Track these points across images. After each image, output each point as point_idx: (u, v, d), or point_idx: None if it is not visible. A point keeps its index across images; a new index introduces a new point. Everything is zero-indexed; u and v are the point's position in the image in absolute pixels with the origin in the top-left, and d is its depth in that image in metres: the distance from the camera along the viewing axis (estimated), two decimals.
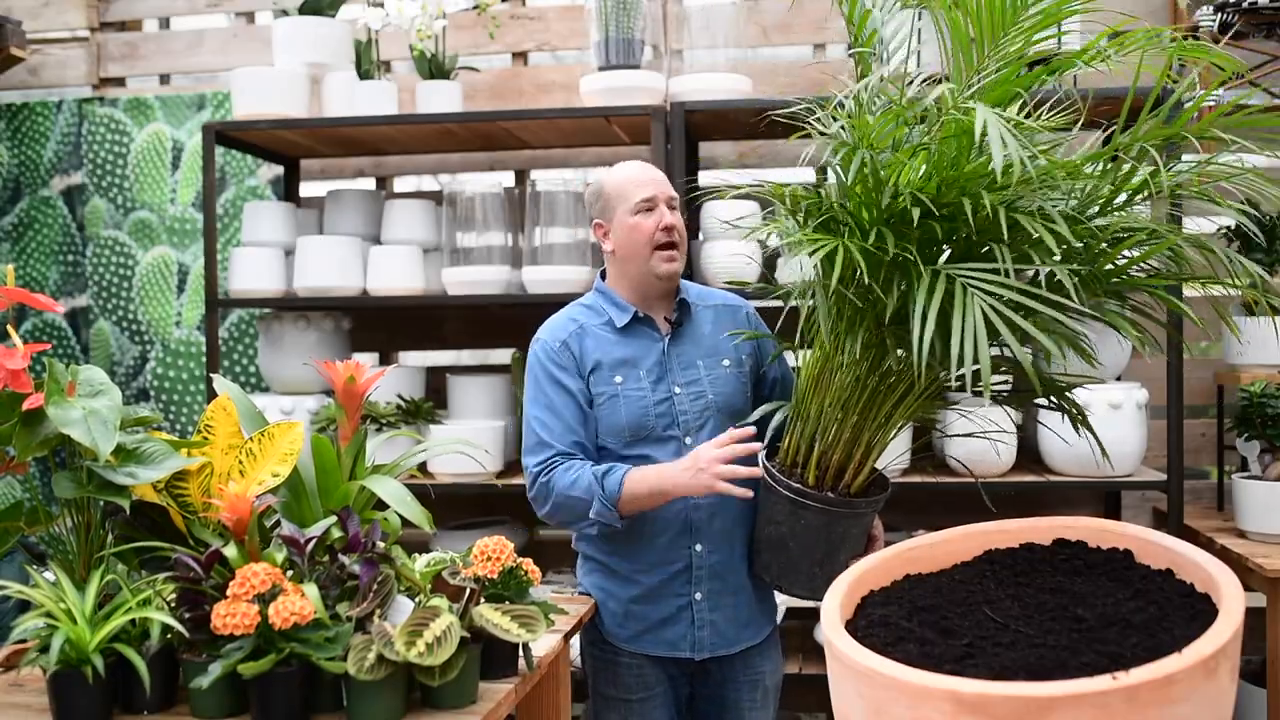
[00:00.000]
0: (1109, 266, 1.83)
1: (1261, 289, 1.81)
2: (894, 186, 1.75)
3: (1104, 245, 1.79)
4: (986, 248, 1.77)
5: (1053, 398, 2.04)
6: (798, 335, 2.05)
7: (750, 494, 2.04)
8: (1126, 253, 1.84)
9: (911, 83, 1.88)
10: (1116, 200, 1.78)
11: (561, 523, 2.20)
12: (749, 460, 2.05)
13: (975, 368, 1.60)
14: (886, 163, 1.77)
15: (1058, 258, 1.72)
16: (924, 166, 1.75)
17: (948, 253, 1.83)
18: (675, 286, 2.28)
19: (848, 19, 1.93)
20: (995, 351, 1.82)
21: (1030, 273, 1.76)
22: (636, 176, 2.23)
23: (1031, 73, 1.82)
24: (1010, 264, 1.64)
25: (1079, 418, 2.04)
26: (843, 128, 1.86)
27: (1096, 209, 1.80)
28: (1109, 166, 1.74)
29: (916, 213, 1.67)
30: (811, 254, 1.76)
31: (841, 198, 1.88)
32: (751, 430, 2.06)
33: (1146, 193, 1.76)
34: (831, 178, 1.97)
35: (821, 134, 1.92)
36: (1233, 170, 1.73)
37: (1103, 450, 2.08)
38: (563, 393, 2.19)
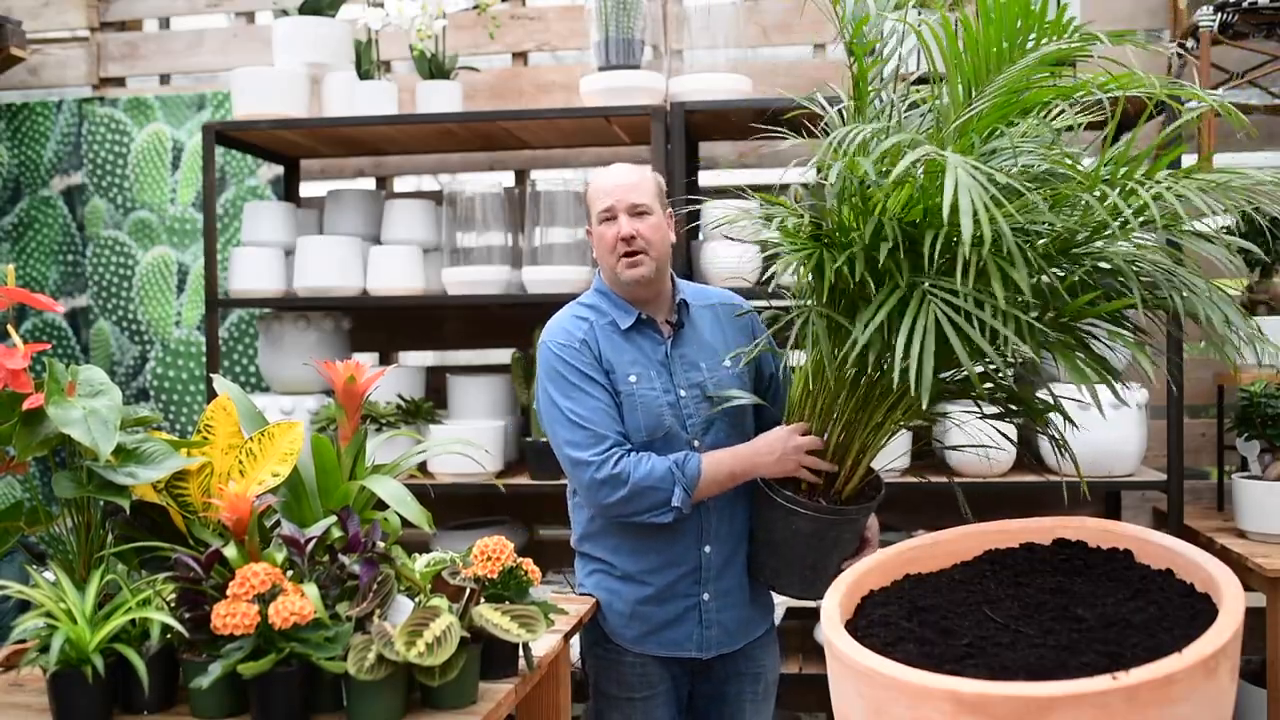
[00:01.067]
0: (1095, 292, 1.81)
1: (1254, 296, 1.80)
2: (878, 213, 1.73)
3: (1080, 279, 1.76)
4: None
5: (1036, 420, 2.03)
6: (791, 340, 2.05)
7: (818, 479, 2.10)
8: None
9: (919, 82, 1.87)
10: (1104, 230, 1.75)
11: (630, 511, 2.14)
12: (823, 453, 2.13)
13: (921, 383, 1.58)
14: (871, 190, 1.75)
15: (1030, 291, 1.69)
16: (909, 194, 1.73)
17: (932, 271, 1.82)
18: (658, 291, 2.27)
19: (842, 24, 1.92)
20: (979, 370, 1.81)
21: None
22: (601, 186, 2.24)
23: (1028, 96, 1.79)
24: (967, 299, 1.62)
25: (1061, 443, 2.02)
26: (827, 130, 1.86)
27: (1085, 235, 1.78)
28: (1094, 200, 1.70)
29: (883, 249, 1.66)
30: (795, 261, 1.75)
31: (831, 210, 1.88)
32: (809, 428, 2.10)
33: (1135, 226, 1.73)
34: (810, 177, 1.97)
35: (813, 134, 1.92)
36: (1232, 174, 1.71)
37: (1079, 476, 2.05)
38: (597, 386, 2.18)
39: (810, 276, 1.82)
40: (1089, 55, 1.70)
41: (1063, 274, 1.73)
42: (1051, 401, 1.99)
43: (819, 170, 1.87)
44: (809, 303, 1.89)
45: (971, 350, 1.63)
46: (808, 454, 2.08)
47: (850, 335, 1.83)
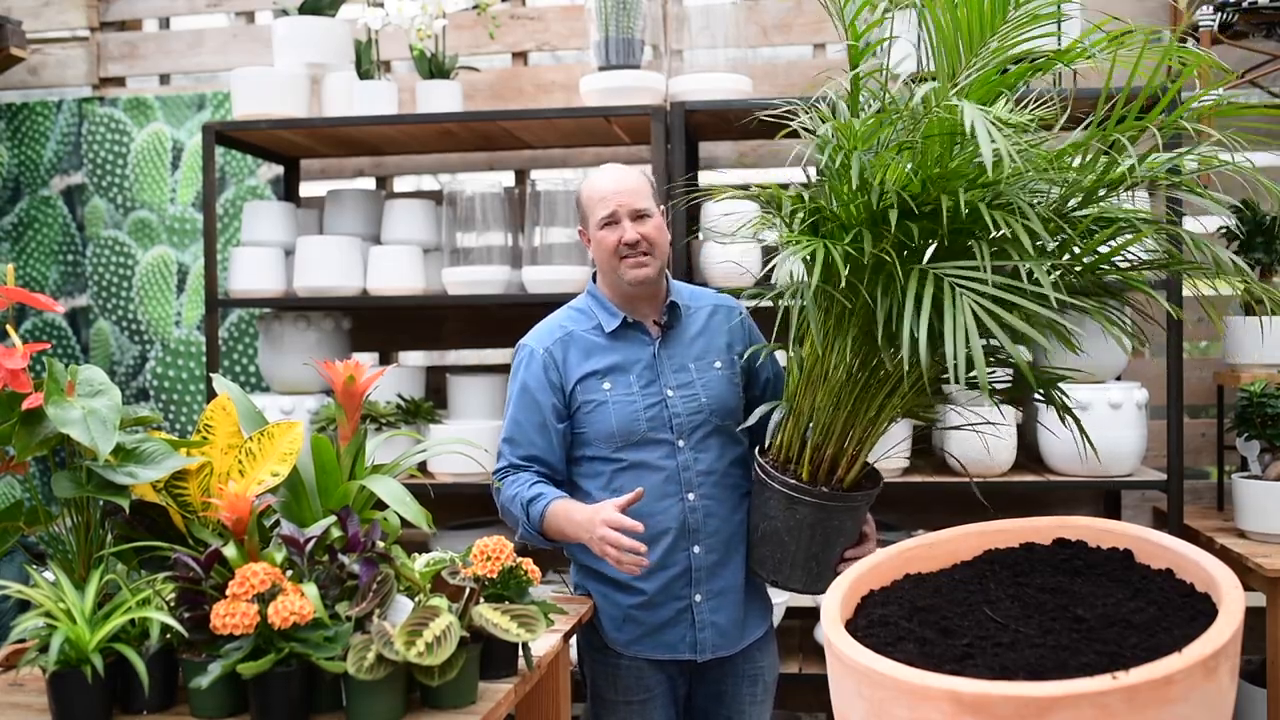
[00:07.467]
0: (1090, 257, 1.85)
1: (1258, 290, 1.82)
2: (879, 186, 1.75)
3: (1080, 236, 1.80)
4: (967, 245, 1.79)
5: (1042, 391, 2.05)
6: (790, 333, 2.06)
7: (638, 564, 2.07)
8: (1109, 243, 1.85)
9: (897, 80, 1.89)
10: (1098, 192, 1.80)
11: (508, 524, 2.28)
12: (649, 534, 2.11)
13: (970, 369, 1.61)
14: (871, 162, 1.77)
15: (1036, 253, 1.73)
16: (909, 165, 1.76)
17: (931, 251, 1.84)
18: (655, 291, 2.27)
19: (842, 21, 1.93)
20: (985, 345, 1.83)
21: (1011, 268, 1.78)
22: (600, 191, 2.22)
23: (1014, 70, 1.82)
24: (989, 260, 1.66)
25: (1065, 409, 2.04)
26: (832, 129, 1.87)
27: (1077, 201, 1.81)
28: (1088, 159, 1.75)
29: (894, 215, 1.70)
30: (794, 255, 1.77)
31: (829, 198, 1.89)
32: (640, 527, 2.06)
33: (1127, 184, 1.78)
34: (815, 176, 1.99)
35: (809, 133, 1.93)
36: (1219, 163, 1.75)
37: (1091, 446, 2.09)
38: (531, 405, 2.24)
39: (810, 263, 1.83)
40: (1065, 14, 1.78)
41: (1060, 237, 1.79)
42: (1047, 379, 2.02)
43: (820, 153, 1.89)
44: (807, 285, 1.90)
45: (990, 326, 1.66)
46: (611, 543, 2.04)
47: (852, 316, 1.85)
